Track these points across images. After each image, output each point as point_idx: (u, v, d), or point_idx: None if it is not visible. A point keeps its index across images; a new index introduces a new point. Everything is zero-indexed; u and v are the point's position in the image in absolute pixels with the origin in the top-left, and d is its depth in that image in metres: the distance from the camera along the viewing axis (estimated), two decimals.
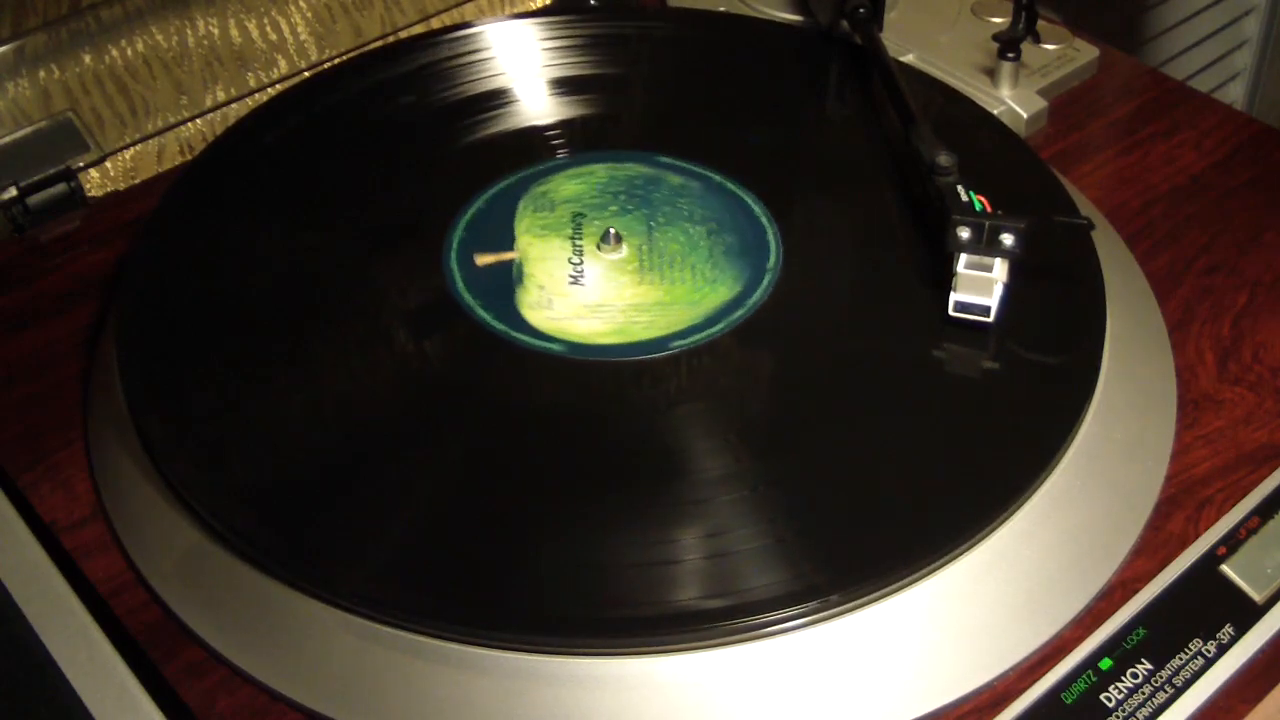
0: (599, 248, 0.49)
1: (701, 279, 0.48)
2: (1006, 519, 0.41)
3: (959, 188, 0.46)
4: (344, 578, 0.39)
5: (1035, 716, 0.38)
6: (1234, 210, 0.55)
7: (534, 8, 0.69)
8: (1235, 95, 1.11)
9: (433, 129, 0.56)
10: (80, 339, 0.51)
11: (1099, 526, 0.42)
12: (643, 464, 0.42)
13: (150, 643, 0.41)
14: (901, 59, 0.61)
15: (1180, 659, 0.40)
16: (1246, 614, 0.41)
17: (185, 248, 0.50)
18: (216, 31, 0.62)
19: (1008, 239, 0.44)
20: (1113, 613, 0.41)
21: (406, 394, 0.45)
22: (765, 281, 0.48)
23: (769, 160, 0.54)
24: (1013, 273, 0.45)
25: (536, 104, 0.57)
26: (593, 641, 0.38)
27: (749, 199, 0.52)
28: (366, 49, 0.65)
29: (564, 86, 0.58)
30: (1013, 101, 0.59)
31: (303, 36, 0.64)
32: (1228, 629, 0.40)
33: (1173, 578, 0.42)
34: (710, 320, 0.47)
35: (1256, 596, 0.41)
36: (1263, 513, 0.43)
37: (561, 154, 0.54)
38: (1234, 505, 0.44)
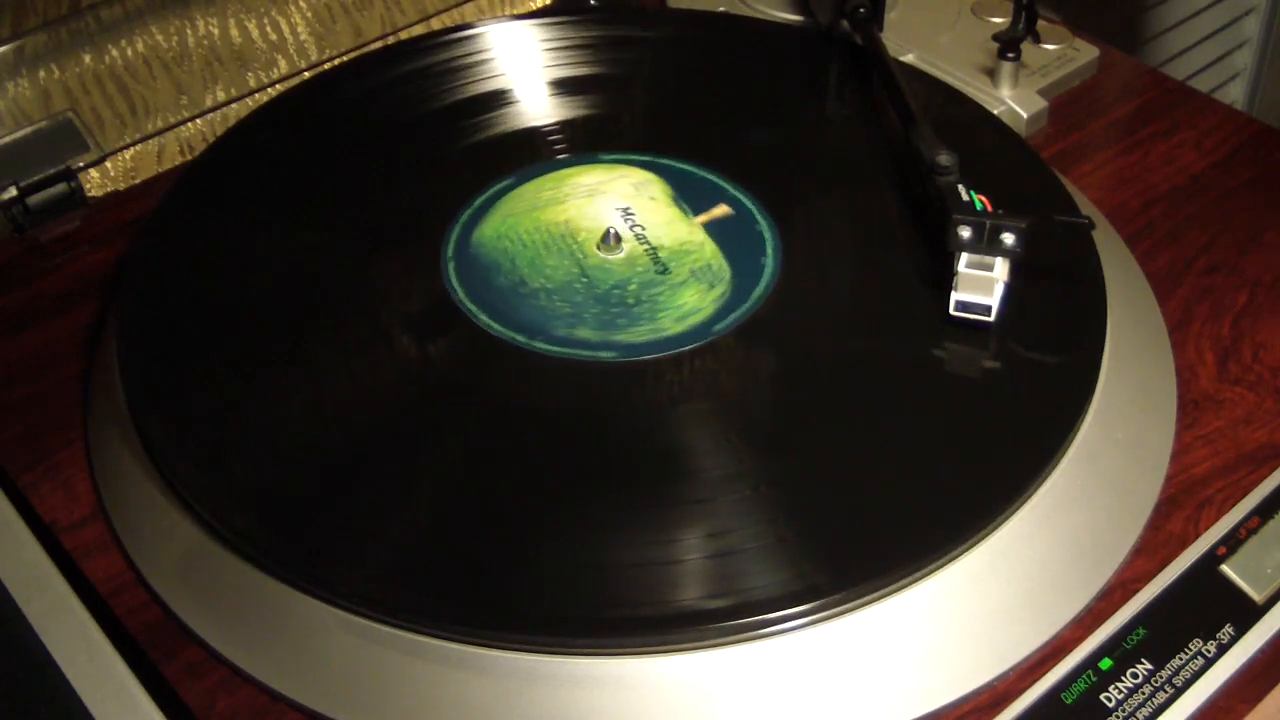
0: (599, 248, 0.49)
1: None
2: (1006, 519, 0.41)
3: (959, 187, 0.46)
4: (344, 578, 0.39)
5: (1035, 716, 0.38)
6: (1234, 210, 0.55)
7: (534, 8, 0.69)
8: (1235, 95, 1.11)
9: (433, 129, 0.56)
10: (80, 339, 0.51)
11: (1099, 526, 0.42)
12: (643, 464, 0.42)
13: (150, 643, 0.41)
14: (901, 59, 0.61)
15: (1180, 659, 0.40)
16: (1246, 614, 0.41)
17: (185, 248, 0.50)
18: (216, 31, 0.62)
19: (1008, 238, 0.44)
20: (1113, 613, 0.41)
21: (406, 393, 0.45)
22: (765, 281, 0.48)
23: (769, 160, 0.54)
24: (1013, 272, 0.45)
25: (536, 104, 0.57)
26: (593, 641, 0.38)
27: (749, 199, 0.52)
28: (366, 49, 0.65)
29: (564, 87, 0.58)
30: (1013, 101, 0.59)
31: (303, 36, 0.64)
32: (1228, 629, 0.40)
33: (1173, 578, 0.42)
34: (710, 320, 0.47)
35: (1256, 596, 0.41)
36: (1263, 513, 0.43)
37: (561, 154, 0.54)
38: (1234, 505, 0.44)
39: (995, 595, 0.40)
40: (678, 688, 0.38)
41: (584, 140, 0.55)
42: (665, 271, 0.49)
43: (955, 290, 0.45)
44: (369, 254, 0.50)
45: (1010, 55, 0.58)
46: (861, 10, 0.57)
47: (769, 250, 0.49)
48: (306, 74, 0.64)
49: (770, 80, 0.59)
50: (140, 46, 0.60)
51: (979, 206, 0.45)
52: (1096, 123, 0.60)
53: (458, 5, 0.68)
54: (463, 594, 0.39)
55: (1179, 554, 0.42)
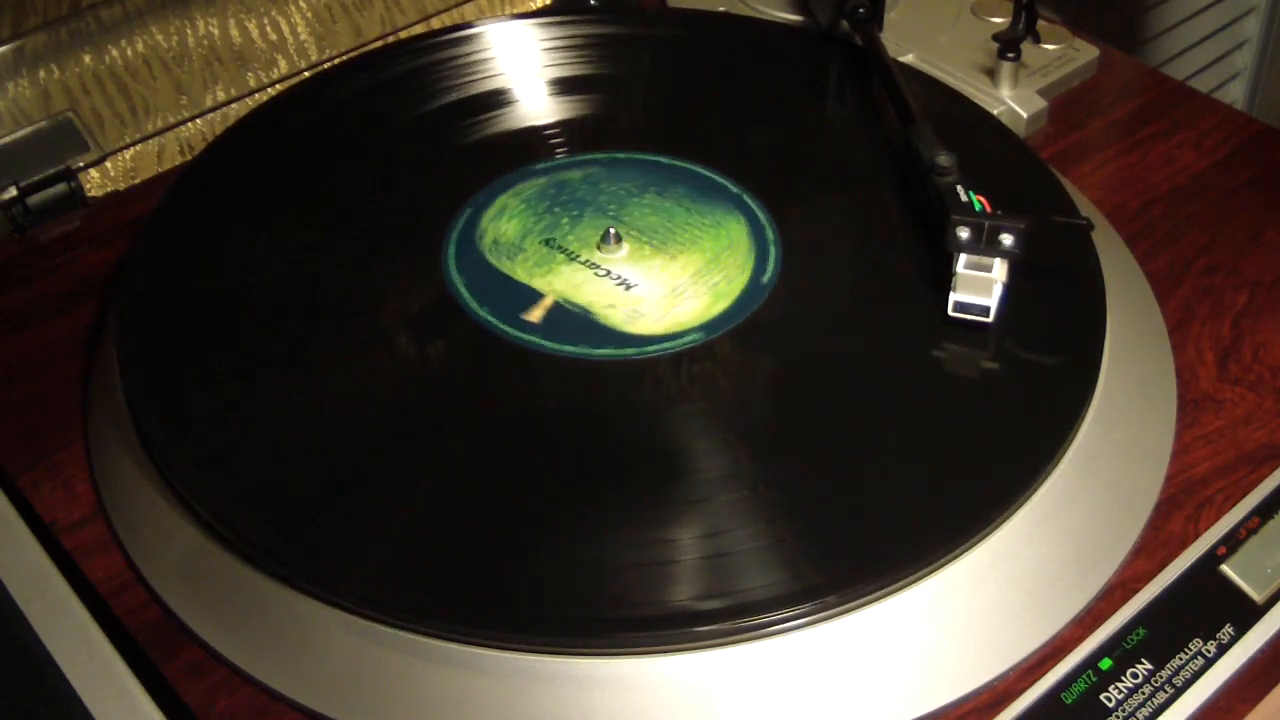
0: (600, 249, 0.49)
1: (705, 220, 0.47)
2: (1006, 519, 0.41)
3: (959, 188, 0.46)
4: (344, 578, 0.39)
5: (1035, 716, 0.38)
6: (1234, 210, 0.55)
7: (534, 8, 0.69)
8: (1235, 95, 1.11)
9: (433, 129, 0.56)
10: (80, 339, 0.51)
11: (1099, 526, 0.42)
12: (642, 464, 0.42)
13: (150, 643, 0.41)
14: (901, 59, 0.61)
15: (1180, 659, 0.40)
16: (1246, 614, 0.41)
17: (185, 248, 0.50)
18: (216, 31, 0.62)
19: (1007, 239, 0.44)
20: (1113, 613, 0.41)
21: (406, 393, 0.45)
22: (765, 281, 0.48)
23: (769, 160, 0.54)
24: (1012, 273, 0.45)
25: (536, 104, 0.57)
26: (593, 641, 0.38)
27: (749, 199, 0.52)
28: (366, 49, 0.65)
29: (564, 86, 0.58)
30: (1013, 101, 0.59)
31: (303, 36, 0.64)
32: (1228, 629, 0.40)
33: (1173, 578, 0.42)
34: (710, 320, 0.47)
35: (1256, 596, 0.41)
36: (1263, 513, 0.43)
37: (561, 154, 0.54)
38: (1234, 505, 0.44)
39: (995, 595, 0.40)
40: (677, 688, 0.38)
41: (583, 140, 0.55)
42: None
43: (954, 291, 0.45)
44: (369, 254, 0.50)
45: (1010, 55, 0.58)
46: (861, 10, 0.57)
47: (769, 250, 0.49)
48: (306, 74, 0.64)
49: (770, 80, 0.59)
50: (140, 46, 0.60)
51: (978, 207, 0.45)
52: (1096, 123, 0.60)
53: (458, 5, 0.68)
54: (463, 594, 0.39)
55: (1179, 554, 0.42)
